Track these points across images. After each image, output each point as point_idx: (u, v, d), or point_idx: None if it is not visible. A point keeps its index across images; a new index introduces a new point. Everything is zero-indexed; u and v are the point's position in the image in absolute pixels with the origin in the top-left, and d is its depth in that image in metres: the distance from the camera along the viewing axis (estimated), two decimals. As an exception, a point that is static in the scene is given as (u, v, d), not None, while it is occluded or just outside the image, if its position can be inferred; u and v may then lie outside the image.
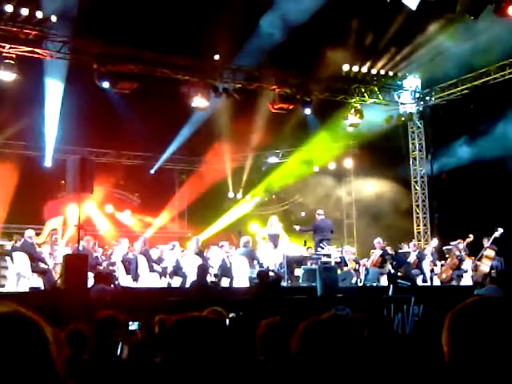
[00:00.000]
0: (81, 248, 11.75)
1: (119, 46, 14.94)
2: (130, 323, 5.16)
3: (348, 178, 21.15)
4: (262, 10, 14.95)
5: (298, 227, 14.77)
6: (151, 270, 13.41)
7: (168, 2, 14.16)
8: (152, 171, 21.75)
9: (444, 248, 15.77)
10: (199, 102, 16.13)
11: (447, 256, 15.25)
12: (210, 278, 12.44)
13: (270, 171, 21.76)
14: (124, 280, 13.12)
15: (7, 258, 12.33)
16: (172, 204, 22.02)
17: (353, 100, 18.13)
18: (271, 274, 11.91)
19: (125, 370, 4.00)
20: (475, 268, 14.45)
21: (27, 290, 11.13)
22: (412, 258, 14.87)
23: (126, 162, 21.49)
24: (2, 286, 12.18)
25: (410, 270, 14.04)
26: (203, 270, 10.63)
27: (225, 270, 13.32)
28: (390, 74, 18.02)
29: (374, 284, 13.96)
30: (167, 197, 21.84)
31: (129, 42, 14.85)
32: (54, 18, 13.57)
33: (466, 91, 17.47)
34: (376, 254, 15.00)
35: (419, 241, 18.56)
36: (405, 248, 15.63)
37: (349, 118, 18.01)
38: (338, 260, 14.37)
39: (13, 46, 13.64)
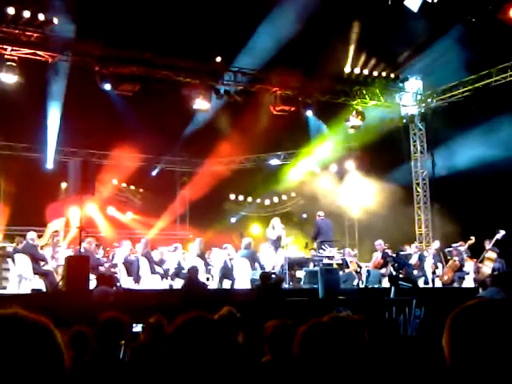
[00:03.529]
0: (82, 250, 11.76)
1: (121, 48, 14.96)
2: (134, 325, 5.12)
3: (349, 179, 21.10)
4: (263, 12, 14.96)
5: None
6: (153, 271, 13.41)
7: (169, 4, 14.18)
8: (154, 173, 21.75)
9: (446, 250, 15.74)
10: (201, 103, 16.11)
11: (449, 258, 15.23)
12: (209, 279, 12.46)
13: (271, 173, 21.74)
14: (125, 282, 13.11)
15: (9, 259, 12.33)
16: (174, 206, 22.03)
17: (354, 102, 18.11)
18: (273, 276, 11.90)
19: (127, 372, 4.00)
20: (477, 270, 14.42)
21: (29, 291, 11.14)
22: (413, 260, 14.85)
23: (128, 164, 21.47)
24: (4, 287, 12.18)
25: (411, 272, 14.03)
26: (193, 270, 10.66)
27: (226, 272, 13.31)
28: (392, 75, 18.01)
29: (376, 286, 13.95)
30: (169, 199, 21.85)
31: (130, 44, 14.88)
32: (55, 21, 13.61)
33: (467, 93, 17.44)
34: (377, 255, 15.00)
35: (421, 243, 18.53)
36: (406, 250, 15.62)
37: (350, 120, 17.97)
38: (340, 262, 14.36)
39: (15, 48, 13.65)
